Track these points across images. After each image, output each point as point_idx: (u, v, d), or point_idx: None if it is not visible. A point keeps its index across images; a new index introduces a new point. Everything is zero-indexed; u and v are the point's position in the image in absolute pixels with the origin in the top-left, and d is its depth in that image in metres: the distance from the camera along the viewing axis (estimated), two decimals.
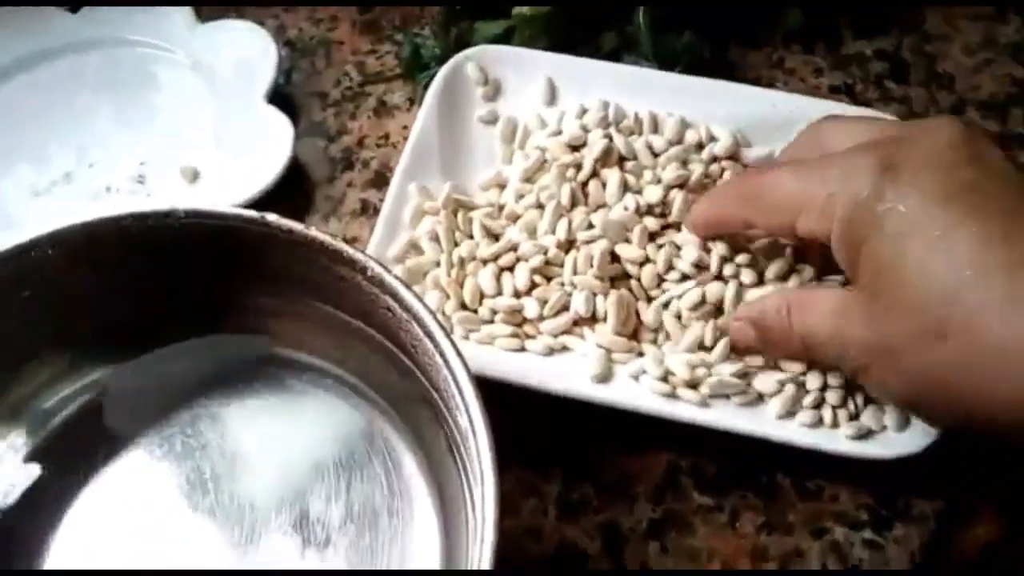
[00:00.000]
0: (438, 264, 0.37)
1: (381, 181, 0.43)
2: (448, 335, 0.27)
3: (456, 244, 0.38)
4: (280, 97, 0.44)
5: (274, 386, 0.34)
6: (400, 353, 0.32)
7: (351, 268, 0.29)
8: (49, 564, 0.31)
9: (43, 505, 0.32)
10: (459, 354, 0.27)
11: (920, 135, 0.30)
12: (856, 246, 0.29)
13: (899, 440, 0.33)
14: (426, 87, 0.45)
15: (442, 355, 0.27)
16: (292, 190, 0.42)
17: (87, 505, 0.32)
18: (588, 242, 0.37)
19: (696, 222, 0.36)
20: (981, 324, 0.26)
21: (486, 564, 0.23)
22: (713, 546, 0.34)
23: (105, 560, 0.31)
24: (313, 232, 0.29)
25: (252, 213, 0.29)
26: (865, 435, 0.34)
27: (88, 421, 0.33)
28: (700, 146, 0.40)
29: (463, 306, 0.36)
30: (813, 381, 0.34)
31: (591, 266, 0.36)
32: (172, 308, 0.32)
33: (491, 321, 0.36)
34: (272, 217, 0.29)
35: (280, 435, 0.34)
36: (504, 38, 0.46)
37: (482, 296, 0.37)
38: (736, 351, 0.35)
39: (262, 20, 0.48)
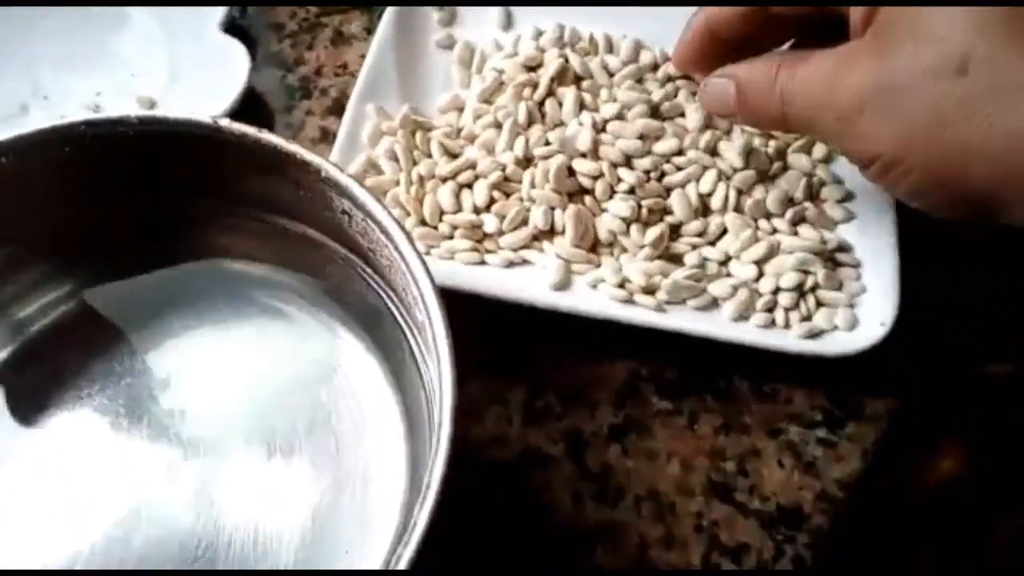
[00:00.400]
0: (397, 183, 0.38)
1: (339, 109, 0.43)
2: (404, 231, 0.27)
3: (415, 163, 0.38)
4: (236, 29, 0.44)
5: (237, 304, 0.35)
6: (359, 259, 0.32)
7: (306, 172, 0.29)
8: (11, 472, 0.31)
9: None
10: (415, 248, 0.27)
11: None
12: None
13: (849, 339, 0.34)
14: (381, 16, 0.45)
15: (398, 250, 0.27)
16: (251, 119, 0.41)
17: (53, 417, 0.32)
18: (545, 158, 0.37)
19: (691, 35, 0.35)
20: (1006, 59, 0.26)
21: (444, 445, 0.24)
22: (672, 447, 0.35)
23: (65, 475, 0.31)
24: (267, 136, 0.29)
25: (205, 118, 0.29)
26: (816, 335, 0.35)
27: (58, 336, 0.33)
28: (655, 66, 0.41)
29: (423, 223, 0.37)
30: (766, 284, 0.35)
31: (548, 181, 0.36)
32: (134, 227, 0.32)
33: (451, 237, 0.37)
34: (224, 122, 0.29)
35: (245, 351, 0.34)
36: None
37: (442, 213, 0.37)
38: (709, 112, 0.36)
39: None
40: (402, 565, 0.22)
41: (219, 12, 0.43)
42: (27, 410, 0.32)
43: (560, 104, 0.39)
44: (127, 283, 0.34)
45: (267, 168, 0.30)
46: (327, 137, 0.43)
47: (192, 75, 0.42)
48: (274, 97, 0.44)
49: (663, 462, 0.35)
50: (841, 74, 0.29)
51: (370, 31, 0.46)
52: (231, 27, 0.43)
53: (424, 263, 0.27)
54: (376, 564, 0.30)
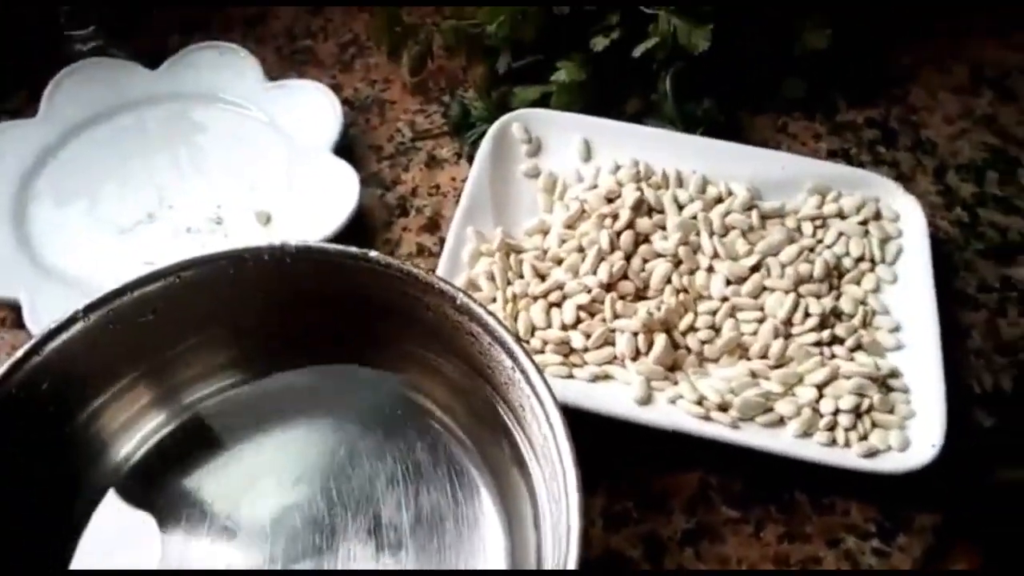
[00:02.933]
0: (494, 300, 0.42)
1: (434, 226, 0.48)
2: (530, 355, 0.32)
3: (509, 283, 0.42)
4: (340, 150, 0.49)
5: (354, 407, 0.38)
6: (474, 374, 0.36)
7: (440, 298, 0.34)
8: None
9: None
10: (540, 372, 0.31)
11: None
12: None
13: (902, 458, 0.38)
14: (472, 143, 0.50)
15: (523, 372, 0.32)
16: (354, 234, 0.46)
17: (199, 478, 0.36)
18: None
19: None
20: None
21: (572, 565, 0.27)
22: (741, 553, 0.38)
23: (197, 543, 0.34)
24: (409, 266, 0.34)
25: (355, 249, 0.34)
26: (873, 454, 0.38)
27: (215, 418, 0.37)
28: (719, 200, 0.46)
29: (516, 338, 0.41)
30: (826, 405, 0.39)
31: (634, 315, 0.41)
32: (293, 331, 0.37)
33: (542, 351, 0.41)
34: (373, 253, 0.34)
35: (353, 451, 0.37)
36: (541, 102, 0.52)
37: (534, 329, 0.41)
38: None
39: (320, 79, 0.53)
40: None
41: (332, 135, 0.48)
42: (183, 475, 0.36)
43: (636, 236, 0.44)
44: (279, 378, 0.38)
45: (402, 292, 0.34)
46: (423, 252, 0.47)
47: (306, 193, 0.47)
48: (374, 214, 0.48)
49: (734, 566, 0.38)
50: None
51: (460, 155, 0.51)
52: (339, 148, 0.48)
53: (548, 386, 0.31)
54: None
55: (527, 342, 0.41)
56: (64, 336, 0.32)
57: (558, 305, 0.42)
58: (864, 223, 0.46)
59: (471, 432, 0.37)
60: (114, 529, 0.34)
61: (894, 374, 0.41)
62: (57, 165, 0.48)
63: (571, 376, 0.40)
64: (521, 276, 0.43)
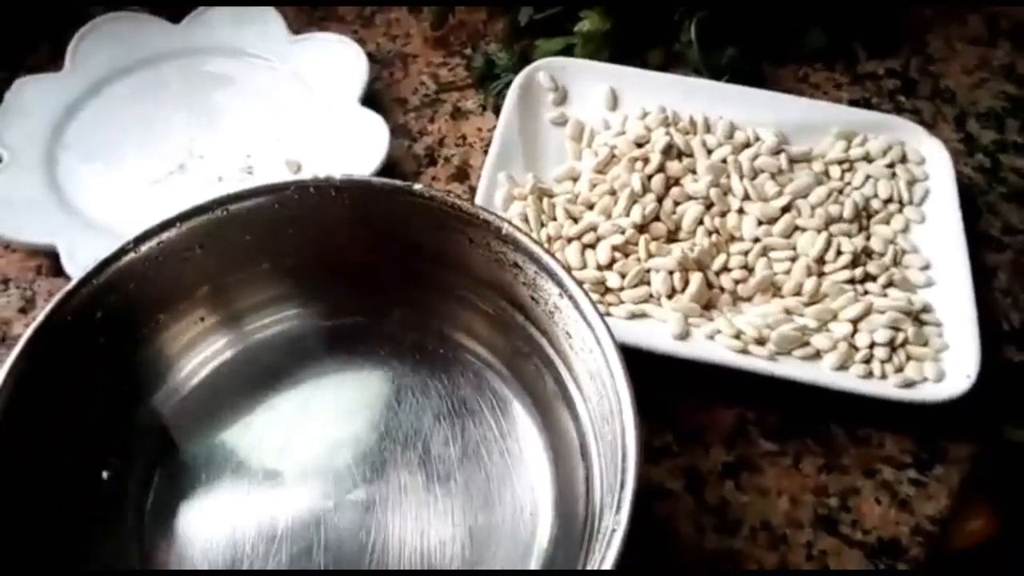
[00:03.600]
0: None
1: (462, 175, 0.48)
2: (577, 281, 0.32)
3: (543, 224, 0.43)
4: (366, 102, 0.49)
5: (395, 346, 0.39)
6: (512, 309, 0.36)
7: (484, 229, 0.34)
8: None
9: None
10: (588, 297, 0.31)
11: None
12: None
13: (939, 388, 0.39)
14: (497, 95, 0.51)
15: (571, 298, 0.32)
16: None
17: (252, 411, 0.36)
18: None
19: None
20: None
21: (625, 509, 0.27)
22: (781, 484, 0.39)
23: (249, 483, 0.35)
24: (453, 197, 0.34)
25: (399, 182, 0.34)
26: (910, 384, 0.39)
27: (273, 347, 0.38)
28: (747, 144, 0.46)
29: None
30: (862, 339, 0.40)
31: (668, 255, 0.41)
32: (327, 272, 0.37)
33: None
34: (417, 186, 0.34)
35: (399, 388, 0.38)
36: (564, 53, 0.52)
37: (569, 269, 0.41)
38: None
39: (343, 35, 0.52)
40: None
41: (358, 86, 0.48)
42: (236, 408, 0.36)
43: (667, 177, 0.44)
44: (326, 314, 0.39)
45: (446, 227, 0.34)
46: None
47: (335, 142, 0.47)
48: (403, 164, 0.49)
49: (774, 497, 0.38)
50: None
51: (485, 107, 0.51)
52: (365, 100, 0.48)
53: (597, 309, 0.31)
54: None
55: None
56: (115, 266, 0.32)
57: (592, 246, 0.42)
58: (891, 166, 0.46)
59: (513, 367, 0.37)
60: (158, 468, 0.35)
61: (926, 309, 0.41)
62: (85, 118, 0.48)
63: (608, 314, 0.41)
64: (554, 219, 0.43)
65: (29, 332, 0.29)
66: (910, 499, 0.39)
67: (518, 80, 0.48)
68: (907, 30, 0.58)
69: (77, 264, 0.40)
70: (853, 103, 0.54)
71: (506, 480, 0.36)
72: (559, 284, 0.32)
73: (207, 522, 0.34)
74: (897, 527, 0.38)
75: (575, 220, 0.43)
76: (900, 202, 0.45)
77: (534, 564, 0.33)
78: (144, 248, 0.32)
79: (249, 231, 0.35)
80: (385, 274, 0.37)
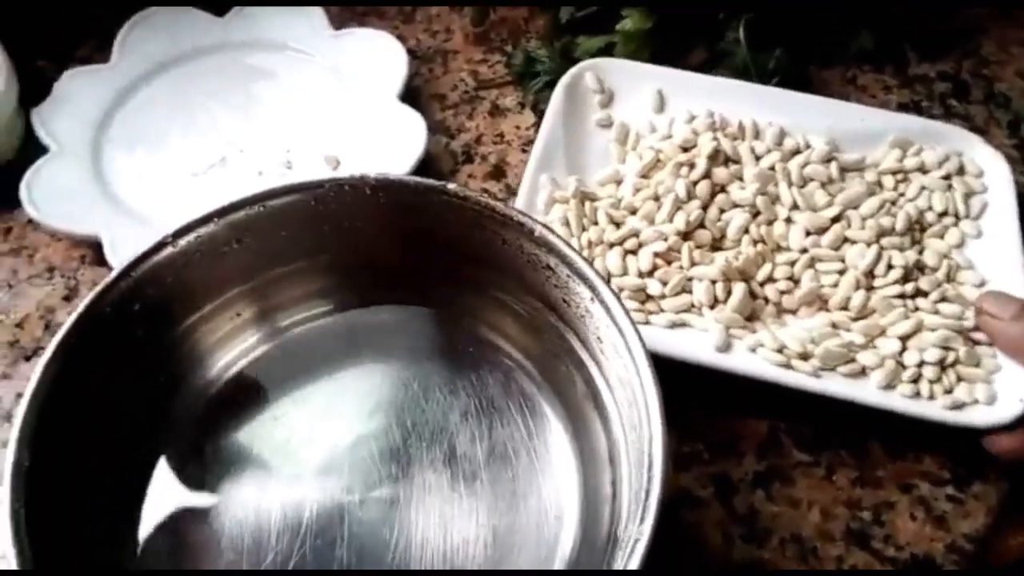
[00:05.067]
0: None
1: (499, 173, 0.48)
2: (609, 286, 0.31)
3: (584, 229, 0.42)
4: (405, 99, 0.49)
5: (427, 343, 0.39)
6: (546, 310, 0.36)
7: (518, 231, 0.34)
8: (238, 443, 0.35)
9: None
10: (620, 302, 0.31)
11: None
12: None
13: (991, 411, 0.37)
14: (537, 92, 0.50)
15: (603, 303, 0.32)
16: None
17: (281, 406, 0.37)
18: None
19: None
20: None
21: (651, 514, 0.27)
22: (812, 496, 0.38)
23: (276, 476, 0.35)
24: (487, 198, 0.34)
25: (433, 181, 0.34)
26: (959, 407, 0.38)
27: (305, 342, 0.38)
28: (796, 151, 0.45)
29: None
30: (911, 357, 0.38)
31: (711, 263, 0.41)
32: (361, 270, 0.37)
33: None
34: (451, 185, 0.34)
35: (428, 386, 0.38)
36: (605, 51, 0.52)
37: (610, 275, 0.41)
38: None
39: (383, 31, 0.53)
40: None
41: (397, 82, 0.48)
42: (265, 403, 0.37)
43: (714, 185, 0.43)
44: (356, 312, 0.39)
45: (479, 226, 0.34)
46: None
47: (373, 138, 0.47)
48: (440, 161, 0.49)
49: (804, 509, 0.38)
50: None
51: (524, 105, 0.51)
52: (404, 97, 0.49)
53: (629, 315, 0.31)
54: None
55: None
56: (153, 260, 0.32)
57: (634, 252, 0.41)
58: (947, 177, 0.45)
59: (543, 368, 0.37)
60: (190, 463, 0.35)
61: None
62: (130, 110, 0.49)
63: (648, 323, 0.40)
64: (596, 223, 0.42)
65: (68, 323, 0.30)
66: (946, 516, 0.38)
67: (564, 81, 0.47)
68: (959, 32, 0.56)
69: (119, 255, 0.41)
70: (902, 107, 0.52)
71: (532, 482, 0.35)
72: (591, 288, 0.32)
73: (234, 512, 0.34)
74: (932, 544, 0.37)
75: (617, 225, 0.42)
76: (956, 215, 0.44)
77: (558, 567, 0.33)
78: (182, 242, 0.33)
79: (286, 227, 0.35)
80: (418, 272, 0.38)
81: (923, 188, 0.45)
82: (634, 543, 0.26)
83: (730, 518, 0.38)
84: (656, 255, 0.41)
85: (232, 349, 0.37)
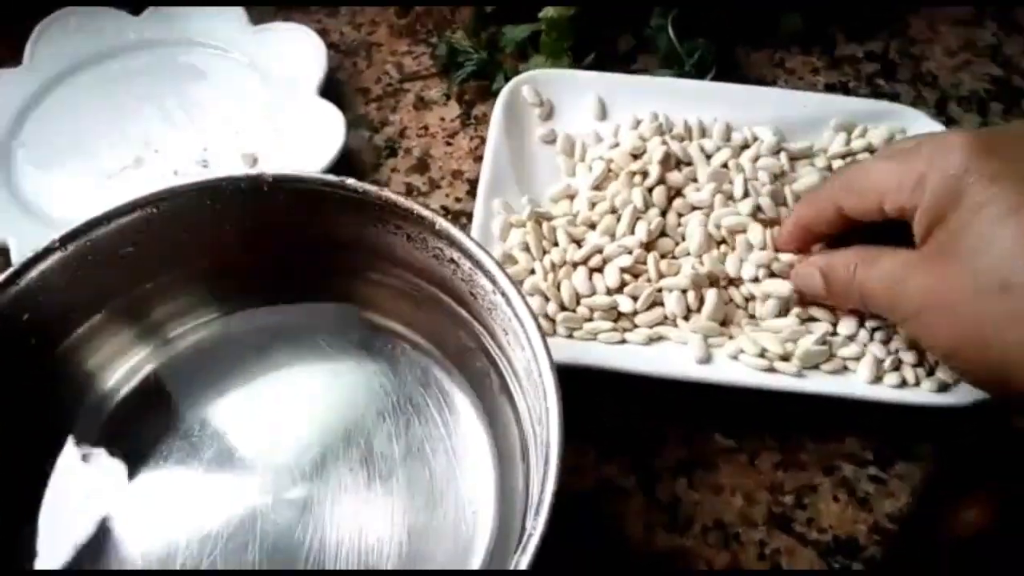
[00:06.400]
0: (532, 271, 0.40)
1: (423, 167, 0.48)
2: (511, 278, 0.31)
3: (545, 252, 0.41)
4: (326, 93, 0.48)
5: (339, 341, 0.38)
6: (456, 304, 0.36)
7: (419, 224, 0.33)
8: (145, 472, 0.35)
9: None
10: (520, 293, 0.31)
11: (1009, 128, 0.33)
12: (939, 216, 0.32)
13: (973, 389, 0.37)
14: (461, 83, 0.50)
15: (503, 295, 0.31)
16: (342, 176, 0.46)
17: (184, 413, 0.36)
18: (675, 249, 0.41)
19: (790, 228, 0.39)
20: None
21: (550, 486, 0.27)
22: (735, 482, 0.38)
23: (185, 482, 0.34)
24: (387, 192, 0.33)
25: (332, 177, 0.33)
26: (944, 388, 0.37)
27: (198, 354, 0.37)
28: (745, 146, 0.44)
29: (563, 307, 0.39)
30: (885, 343, 0.38)
31: (678, 272, 0.40)
32: (269, 268, 0.37)
33: (591, 319, 0.39)
34: (350, 181, 0.33)
35: (342, 384, 0.37)
36: (530, 40, 0.51)
37: (579, 297, 0.40)
38: (800, 299, 0.39)
39: (306, 24, 0.52)
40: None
41: (316, 77, 0.47)
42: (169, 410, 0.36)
43: (668, 190, 0.42)
44: (261, 313, 0.38)
45: (382, 221, 0.34)
46: (412, 191, 0.47)
47: (292, 134, 0.46)
48: (362, 155, 0.48)
49: (727, 495, 0.38)
50: (904, 279, 0.34)
51: (449, 97, 0.51)
52: (325, 91, 0.48)
53: (528, 306, 0.30)
54: None
55: (573, 311, 0.39)
56: (42, 266, 0.31)
57: (599, 270, 0.40)
58: None
59: (460, 364, 0.37)
60: (93, 467, 0.34)
61: None
62: (42, 112, 0.47)
63: (624, 341, 0.39)
64: (556, 244, 0.41)
65: None
66: (869, 497, 0.38)
67: (501, 97, 0.45)
68: (887, 12, 0.56)
69: None
70: (830, 87, 0.52)
71: (450, 479, 0.35)
72: (491, 280, 0.32)
73: (142, 519, 0.33)
74: (854, 525, 0.37)
75: (579, 244, 0.41)
76: None
77: (475, 564, 0.33)
78: (71, 247, 0.32)
79: (184, 228, 0.34)
80: (327, 270, 0.37)
81: None
82: (527, 537, 0.26)
83: (652, 507, 0.37)
84: (622, 270, 0.40)
85: (135, 355, 0.36)
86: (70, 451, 0.34)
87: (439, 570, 0.33)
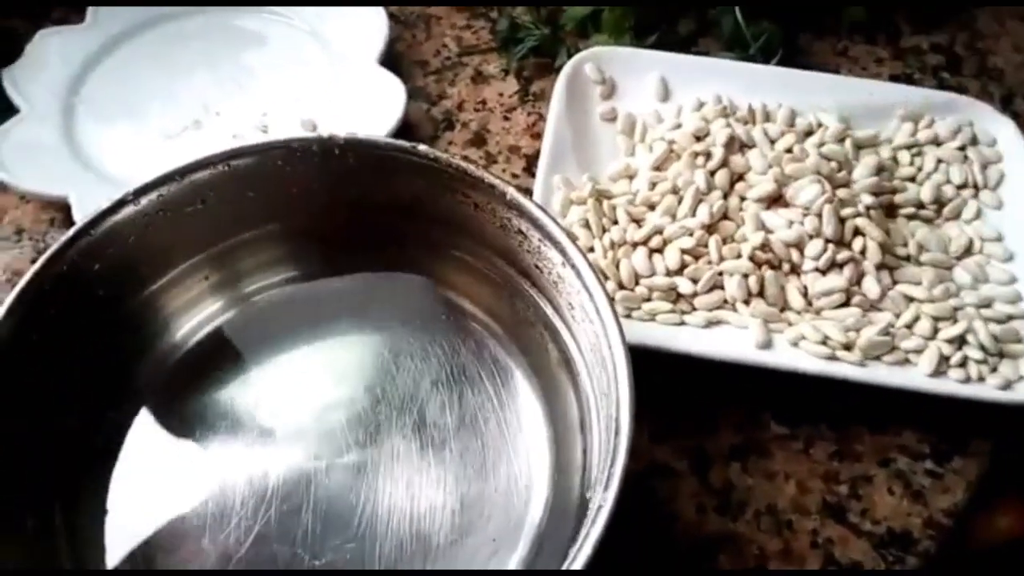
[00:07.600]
0: (592, 249, 0.40)
1: (480, 140, 0.47)
2: (582, 251, 0.31)
3: (605, 230, 0.40)
4: (385, 64, 0.48)
5: (397, 311, 0.38)
6: (518, 275, 0.35)
7: (489, 194, 0.33)
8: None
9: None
10: (592, 267, 0.30)
11: None
12: None
13: None
14: (520, 59, 0.49)
15: (574, 268, 0.31)
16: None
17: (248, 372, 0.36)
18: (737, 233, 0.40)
19: None
20: None
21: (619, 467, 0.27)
22: (788, 469, 0.38)
23: (241, 442, 0.35)
24: (458, 160, 0.33)
25: (404, 142, 0.33)
26: (1008, 385, 0.37)
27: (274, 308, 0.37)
28: (809, 132, 0.44)
29: (621, 286, 0.39)
30: (952, 341, 0.38)
31: (740, 256, 0.39)
32: (332, 235, 0.36)
33: (649, 299, 0.39)
34: (422, 147, 0.33)
35: (398, 353, 0.37)
36: (591, 19, 0.50)
37: (638, 277, 0.39)
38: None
39: None
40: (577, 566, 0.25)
41: (377, 47, 0.47)
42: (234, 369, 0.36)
43: (730, 172, 0.41)
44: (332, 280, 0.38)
45: (451, 189, 0.34)
46: None
47: (351, 103, 0.46)
48: (420, 127, 0.48)
49: (780, 482, 0.37)
50: None
51: (507, 71, 0.50)
52: (385, 62, 0.48)
53: (600, 280, 0.30)
54: (521, 553, 0.32)
55: (632, 290, 0.39)
56: (114, 218, 0.31)
57: (660, 251, 0.40)
58: (962, 148, 0.44)
59: (516, 335, 0.37)
60: (154, 422, 0.35)
61: (1015, 301, 0.39)
62: (104, 72, 0.48)
63: (682, 323, 0.39)
64: (616, 222, 0.41)
65: (24, 280, 0.29)
66: (925, 490, 0.37)
67: (564, 73, 0.45)
68: (954, 4, 0.55)
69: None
70: (893, 78, 0.51)
71: (502, 451, 0.35)
72: (563, 253, 0.31)
73: (199, 478, 0.34)
74: (909, 518, 0.37)
75: (638, 223, 0.41)
76: (975, 187, 0.43)
77: (525, 536, 0.33)
78: (144, 201, 0.32)
79: (253, 188, 0.34)
80: (390, 236, 0.37)
81: (939, 161, 0.44)
82: (597, 509, 0.26)
83: (704, 490, 0.37)
84: (683, 251, 0.39)
85: (199, 313, 0.36)
86: (133, 404, 0.34)
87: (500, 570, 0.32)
